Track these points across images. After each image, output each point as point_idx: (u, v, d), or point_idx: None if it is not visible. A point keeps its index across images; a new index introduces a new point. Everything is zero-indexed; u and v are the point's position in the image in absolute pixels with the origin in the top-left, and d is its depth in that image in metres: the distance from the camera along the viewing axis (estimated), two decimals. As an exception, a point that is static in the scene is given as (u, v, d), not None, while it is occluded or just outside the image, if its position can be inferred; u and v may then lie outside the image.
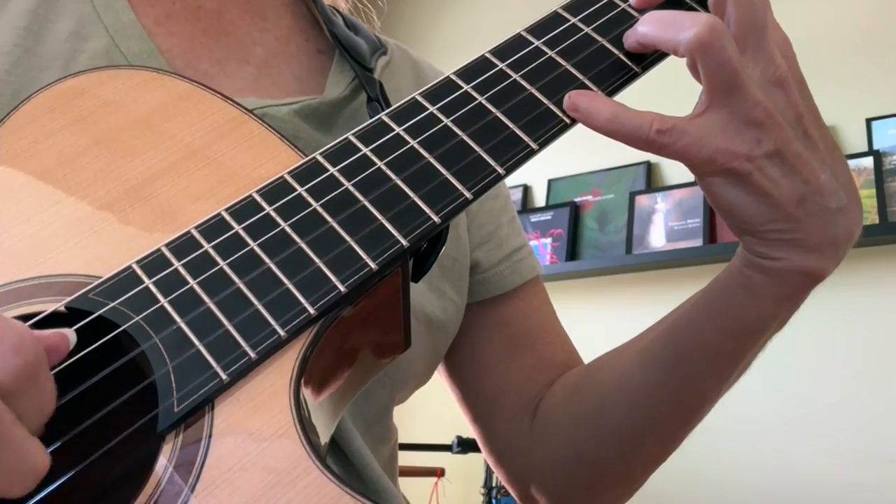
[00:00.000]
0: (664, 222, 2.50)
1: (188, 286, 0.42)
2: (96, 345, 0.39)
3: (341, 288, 0.42)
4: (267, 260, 0.43)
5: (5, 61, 0.56)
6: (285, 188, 0.46)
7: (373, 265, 0.43)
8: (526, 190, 2.90)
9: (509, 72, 0.49)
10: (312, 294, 0.42)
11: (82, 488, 0.39)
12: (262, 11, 0.68)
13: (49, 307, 0.41)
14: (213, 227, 0.44)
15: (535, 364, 0.70)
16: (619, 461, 0.64)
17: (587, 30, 0.51)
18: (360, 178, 0.46)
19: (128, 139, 0.49)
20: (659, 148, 0.46)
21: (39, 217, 0.45)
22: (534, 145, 0.47)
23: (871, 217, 2.14)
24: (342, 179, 0.46)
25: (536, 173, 2.87)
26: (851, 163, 2.19)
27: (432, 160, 0.46)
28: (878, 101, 2.25)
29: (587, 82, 0.49)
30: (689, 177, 2.40)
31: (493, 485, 2.42)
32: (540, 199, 2.87)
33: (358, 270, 0.43)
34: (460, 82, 0.49)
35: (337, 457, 0.57)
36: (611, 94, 0.49)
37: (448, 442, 2.41)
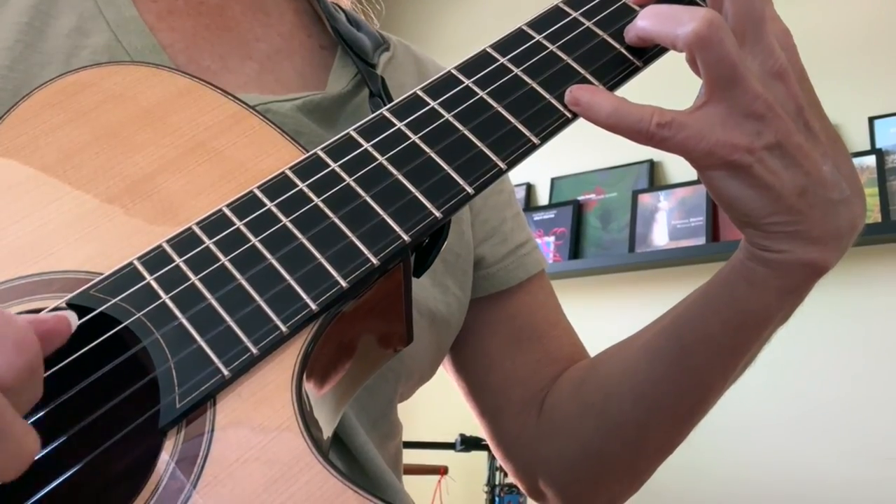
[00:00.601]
0: (667, 221, 2.49)
1: (189, 282, 0.42)
2: (98, 341, 0.39)
3: (343, 283, 0.42)
4: (268, 255, 0.43)
5: (7, 57, 0.56)
6: (286, 183, 0.46)
7: (374, 260, 0.43)
8: (529, 188, 2.90)
9: (510, 66, 0.49)
10: (314, 289, 0.42)
11: (85, 484, 0.39)
12: (265, 7, 0.68)
13: (50, 304, 0.41)
14: (215, 223, 0.44)
15: (541, 358, 0.70)
16: (625, 453, 0.64)
17: (588, 24, 0.51)
18: (361, 173, 0.46)
19: (129, 135, 0.49)
20: (659, 141, 0.46)
21: (40, 213, 0.45)
22: (535, 140, 0.47)
23: (874, 215, 2.14)
24: (343, 175, 0.46)
25: (539, 172, 2.87)
26: (854, 161, 2.18)
27: (433, 155, 0.46)
28: (881, 99, 2.25)
29: (588, 76, 0.49)
30: (692, 175, 2.40)
31: (497, 482, 2.43)
32: (543, 197, 2.87)
33: (359, 265, 0.43)
34: (461, 77, 0.49)
35: (341, 453, 0.57)
36: (612, 88, 0.49)
37: (451, 440, 2.41)
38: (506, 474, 2.22)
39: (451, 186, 0.45)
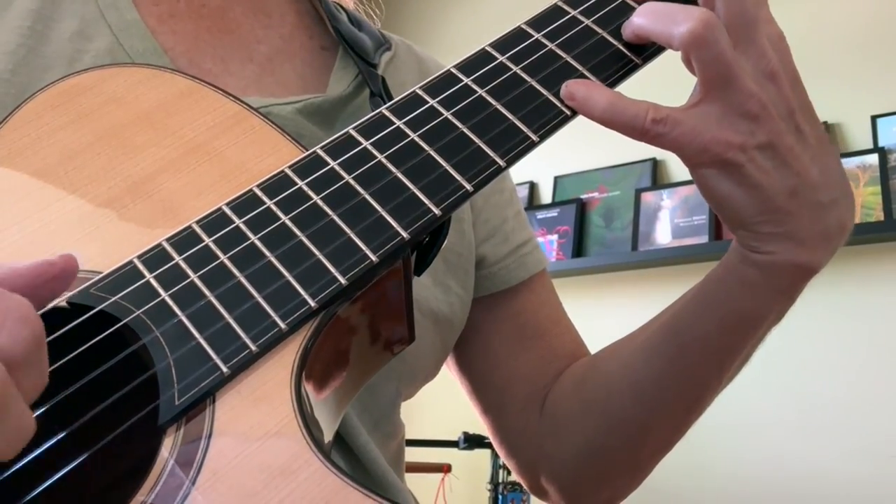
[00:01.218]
0: (670, 219, 2.49)
1: (189, 280, 0.42)
2: (98, 338, 0.39)
3: (342, 280, 0.42)
4: (267, 253, 0.43)
5: (9, 61, 0.56)
6: (286, 182, 0.46)
7: (373, 257, 0.43)
8: (532, 187, 2.90)
9: (509, 64, 0.49)
10: (313, 286, 0.42)
11: (84, 481, 0.39)
12: (266, 9, 0.68)
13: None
14: (214, 222, 0.44)
15: (544, 355, 0.71)
16: (626, 449, 0.64)
17: (587, 22, 0.51)
18: (360, 171, 0.46)
19: (130, 136, 0.49)
20: (653, 137, 0.46)
21: (42, 214, 0.46)
22: (534, 137, 0.47)
23: (877, 214, 2.13)
24: (342, 173, 0.46)
25: (542, 170, 2.87)
26: (856, 160, 2.18)
27: (432, 153, 0.46)
28: (884, 98, 2.24)
29: (587, 74, 0.49)
30: (694, 173, 2.39)
31: (500, 480, 2.43)
32: (546, 195, 2.87)
33: (358, 263, 0.43)
34: (460, 75, 0.49)
35: (343, 452, 0.58)
36: (611, 85, 0.49)
37: (454, 438, 2.41)
38: (509, 472, 2.22)
39: (450, 183, 0.46)
